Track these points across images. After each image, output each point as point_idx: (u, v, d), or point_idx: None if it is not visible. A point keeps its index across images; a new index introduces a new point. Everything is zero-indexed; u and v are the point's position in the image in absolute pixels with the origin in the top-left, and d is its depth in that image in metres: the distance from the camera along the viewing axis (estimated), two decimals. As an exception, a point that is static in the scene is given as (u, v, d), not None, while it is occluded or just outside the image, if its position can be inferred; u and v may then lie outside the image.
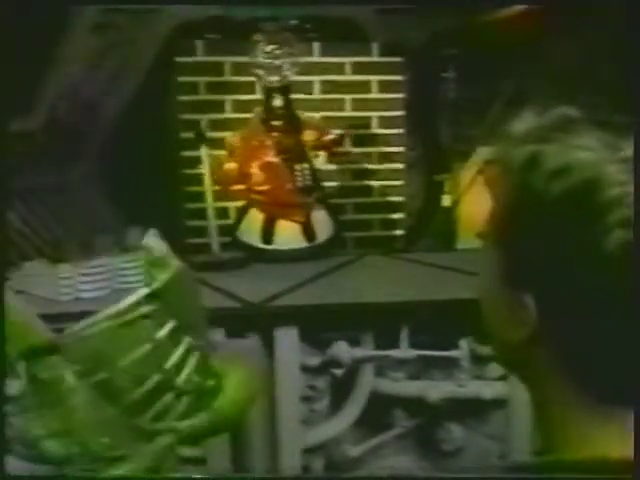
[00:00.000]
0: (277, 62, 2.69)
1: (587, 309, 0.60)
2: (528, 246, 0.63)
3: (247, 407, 1.57)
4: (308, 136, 2.79)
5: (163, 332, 1.29)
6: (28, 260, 2.36)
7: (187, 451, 1.64)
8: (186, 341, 1.33)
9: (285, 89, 2.76)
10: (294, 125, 2.79)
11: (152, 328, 1.29)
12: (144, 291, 1.28)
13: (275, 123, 2.77)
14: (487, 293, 0.69)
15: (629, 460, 0.60)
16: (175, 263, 1.34)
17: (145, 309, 1.27)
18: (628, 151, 0.60)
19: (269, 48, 2.69)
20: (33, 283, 2.20)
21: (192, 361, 1.34)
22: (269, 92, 2.76)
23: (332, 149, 2.90)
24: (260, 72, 2.73)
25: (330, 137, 2.84)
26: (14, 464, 1.33)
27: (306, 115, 2.86)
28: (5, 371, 1.27)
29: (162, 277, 1.30)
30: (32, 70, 2.63)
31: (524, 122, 0.66)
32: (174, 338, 1.31)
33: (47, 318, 1.31)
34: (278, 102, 2.75)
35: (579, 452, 0.62)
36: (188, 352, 1.33)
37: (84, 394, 1.24)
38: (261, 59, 2.70)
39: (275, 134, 2.76)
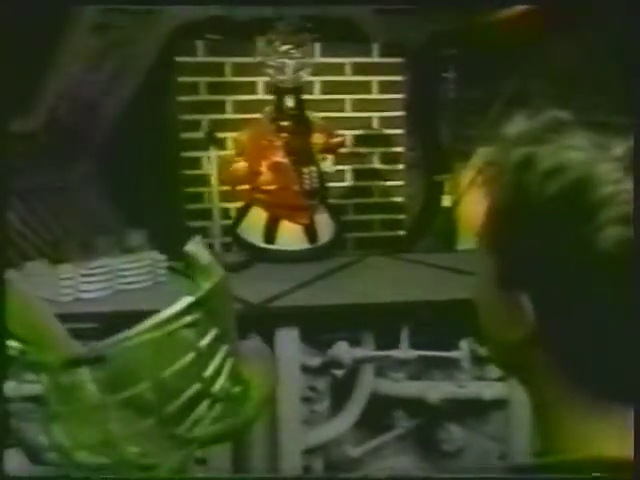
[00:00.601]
0: (291, 62, 2.67)
1: (583, 308, 0.60)
2: (523, 246, 0.63)
3: (264, 410, 1.58)
4: (317, 139, 2.77)
5: (206, 341, 1.29)
6: (28, 260, 2.36)
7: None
8: (223, 349, 1.33)
9: (297, 90, 2.74)
10: (304, 127, 2.77)
11: (195, 337, 1.28)
12: (188, 299, 1.27)
13: (285, 124, 2.74)
14: (483, 294, 0.69)
15: (629, 460, 0.60)
16: (218, 271, 1.34)
17: (189, 318, 1.27)
18: (618, 150, 0.60)
19: (284, 48, 2.67)
20: (33, 284, 2.20)
21: (227, 368, 1.34)
22: (280, 92, 2.75)
23: (338, 152, 2.89)
24: (272, 72, 2.72)
25: (337, 140, 2.84)
26: (13, 464, 1.33)
27: (316, 117, 2.84)
28: (6, 372, 1.27)
29: (206, 285, 1.29)
30: (32, 70, 2.63)
31: (516, 125, 0.66)
32: (213, 346, 1.31)
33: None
34: (289, 103, 2.73)
35: (579, 452, 0.62)
36: (224, 360, 1.34)
37: (118, 407, 1.24)
38: (274, 59, 2.68)
39: (284, 135, 2.74)
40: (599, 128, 0.63)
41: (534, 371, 0.65)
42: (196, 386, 1.30)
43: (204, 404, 1.32)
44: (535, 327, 0.63)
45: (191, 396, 1.29)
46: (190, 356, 1.28)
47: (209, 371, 1.31)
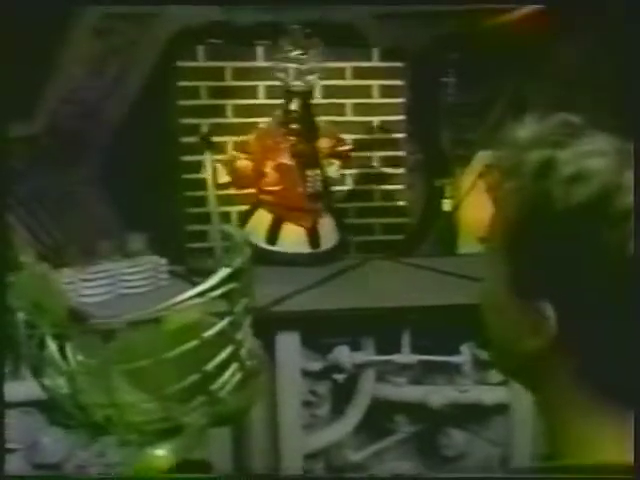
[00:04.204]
0: (301, 67, 2.69)
1: (605, 316, 0.60)
2: (544, 254, 0.62)
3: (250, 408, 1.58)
4: (324, 144, 2.80)
5: (239, 308, 1.31)
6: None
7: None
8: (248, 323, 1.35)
9: (307, 94, 2.76)
10: (311, 131, 2.79)
11: (227, 307, 1.29)
12: (226, 271, 1.28)
13: (293, 127, 2.76)
14: (496, 301, 0.67)
15: (631, 465, 0.59)
16: (248, 251, 1.36)
17: (224, 289, 1.28)
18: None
19: (295, 53, 2.68)
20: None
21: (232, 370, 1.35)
22: (290, 96, 2.76)
23: (345, 158, 2.91)
24: (283, 76, 2.73)
25: (345, 147, 2.86)
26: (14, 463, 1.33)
27: (324, 122, 2.86)
28: (4, 372, 1.27)
29: (239, 261, 1.32)
30: (34, 74, 2.64)
31: (527, 128, 0.65)
32: (241, 318, 1.33)
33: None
34: (298, 107, 2.74)
35: (582, 458, 0.62)
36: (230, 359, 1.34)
37: (122, 376, 1.25)
38: (285, 63, 2.69)
39: (292, 138, 2.76)
40: (613, 131, 0.62)
41: (544, 378, 0.64)
42: (229, 349, 1.31)
43: (233, 366, 1.33)
44: (555, 336, 0.62)
45: (223, 360, 1.31)
46: (222, 324, 1.29)
47: (239, 335, 1.33)
